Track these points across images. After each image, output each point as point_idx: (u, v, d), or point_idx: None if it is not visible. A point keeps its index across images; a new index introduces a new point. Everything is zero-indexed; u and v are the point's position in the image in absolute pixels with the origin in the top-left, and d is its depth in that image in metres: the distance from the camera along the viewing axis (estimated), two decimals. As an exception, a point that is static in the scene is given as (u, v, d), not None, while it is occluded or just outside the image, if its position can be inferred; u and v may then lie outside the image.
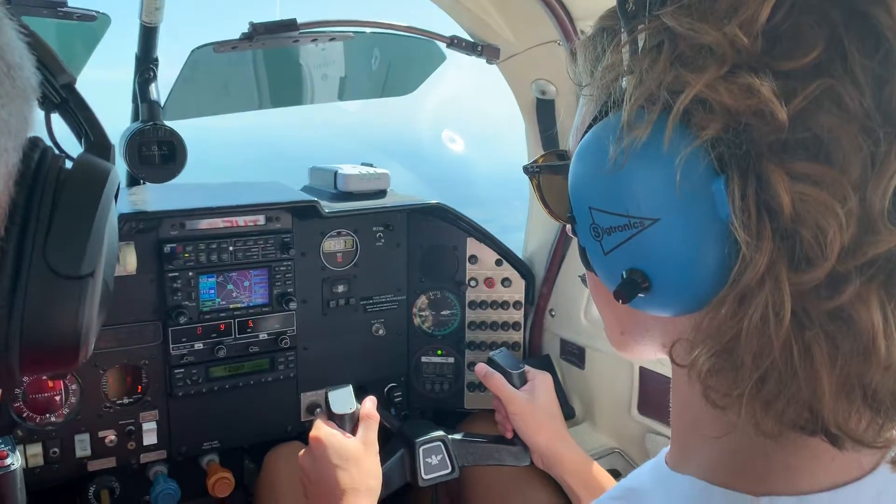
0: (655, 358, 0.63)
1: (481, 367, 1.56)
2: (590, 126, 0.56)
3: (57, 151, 0.57)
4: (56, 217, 0.52)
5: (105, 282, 0.57)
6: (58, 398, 1.53)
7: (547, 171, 0.71)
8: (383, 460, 1.38)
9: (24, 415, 1.50)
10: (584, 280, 0.68)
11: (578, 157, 0.57)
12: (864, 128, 0.44)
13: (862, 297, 0.45)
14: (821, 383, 0.47)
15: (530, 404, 1.49)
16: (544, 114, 1.76)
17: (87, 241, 0.52)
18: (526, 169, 0.72)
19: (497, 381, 1.52)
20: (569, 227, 0.61)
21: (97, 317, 0.57)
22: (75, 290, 0.52)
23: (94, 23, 1.43)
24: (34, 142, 0.55)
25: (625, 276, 0.54)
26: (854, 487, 0.54)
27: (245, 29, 1.40)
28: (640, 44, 0.51)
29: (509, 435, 1.53)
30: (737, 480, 0.54)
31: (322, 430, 1.34)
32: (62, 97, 0.65)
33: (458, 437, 1.52)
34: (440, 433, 1.49)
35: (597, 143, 0.54)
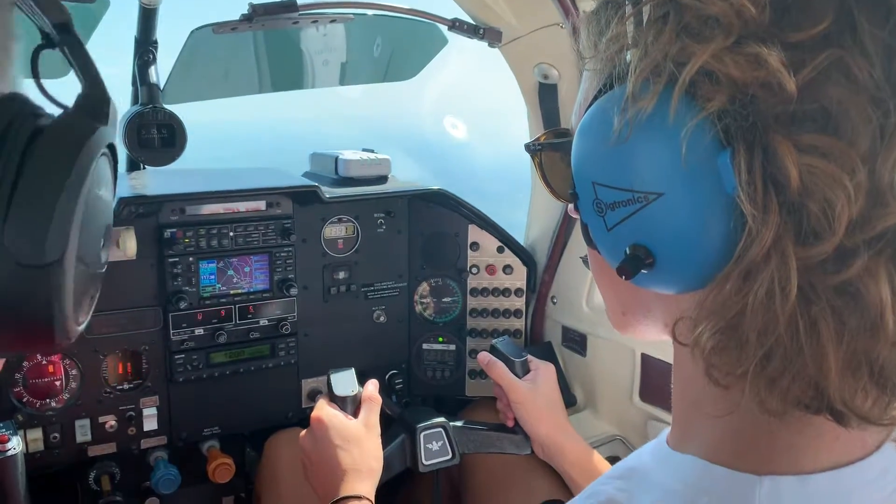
0: (657, 339, 0.63)
1: (484, 356, 1.56)
2: (594, 100, 0.55)
3: (38, 109, 0.50)
4: (18, 192, 0.45)
5: (84, 263, 0.50)
6: (58, 383, 1.53)
7: (549, 149, 0.71)
8: (384, 445, 1.38)
9: (25, 399, 1.50)
10: (585, 261, 0.67)
11: (581, 132, 0.56)
12: (874, 99, 0.44)
13: (870, 271, 0.44)
14: (827, 359, 0.46)
15: (532, 393, 1.48)
16: (547, 98, 1.75)
17: (50, 222, 0.45)
18: (528, 147, 0.72)
19: (499, 370, 1.51)
20: (571, 207, 0.60)
21: (75, 301, 0.50)
22: (40, 280, 0.46)
23: (92, 4, 1.42)
24: (10, 98, 0.49)
25: (628, 253, 0.53)
26: (857, 467, 0.53)
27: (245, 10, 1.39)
28: (646, 16, 0.50)
29: (510, 423, 1.53)
30: (739, 460, 0.54)
31: (324, 410, 1.34)
32: (55, 41, 0.55)
33: (459, 423, 1.52)
34: (441, 419, 1.49)
35: (601, 115, 0.53)
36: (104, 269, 0.56)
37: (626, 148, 0.51)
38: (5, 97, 0.48)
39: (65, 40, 0.54)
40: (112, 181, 0.56)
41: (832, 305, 0.46)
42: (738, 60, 0.45)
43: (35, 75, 0.52)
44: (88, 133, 0.49)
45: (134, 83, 1.61)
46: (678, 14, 0.48)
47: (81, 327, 0.52)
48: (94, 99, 0.52)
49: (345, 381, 1.40)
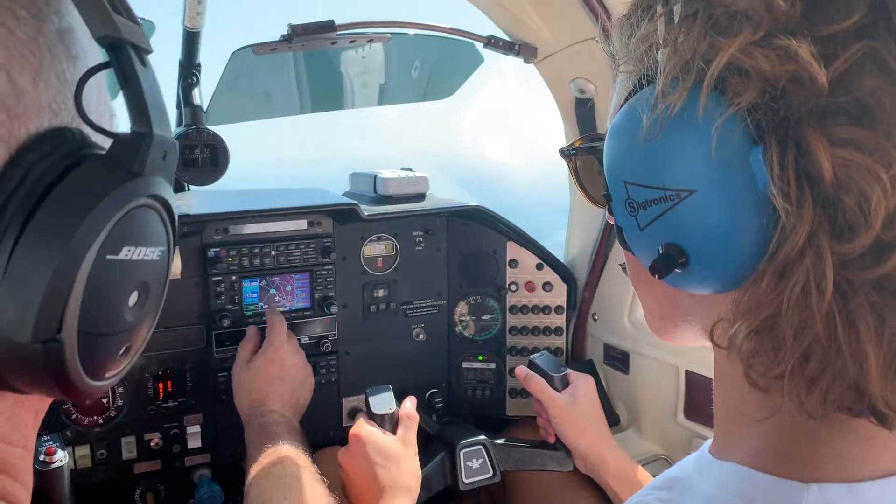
0: (697, 344, 0.62)
1: (521, 370, 1.55)
2: (625, 101, 0.55)
3: (81, 148, 0.44)
4: (12, 261, 0.40)
5: (96, 331, 0.45)
6: (105, 401, 1.55)
7: (583, 153, 0.71)
8: (424, 463, 1.37)
9: (73, 417, 1.53)
10: (624, 268, 0.66)
11: (612, 132, 0.56)
12: None
13: None
14: (867, 359, 0.44)
15: (571, 407, 1.47)
16: (583, 112, 1.74)
17: (38, 304, 0.40)
18: (562, 151, 0.72)
19: (538, 384, 1.50)
20: (607, 213, 0.60)
21: (88, 367, 0.45)
22: (36, 355, 0.41)
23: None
24: (54, 133, 0.43)
25: (661, 252, 0.52)
26: None
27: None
28: (676, 15, 0.50)
29: (551, 439, 1.51)
30: (783, 467, 0.52)
31: (362, 427, 1.35)
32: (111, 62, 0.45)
33: (499, 441, 1.50)
34: (481, 437, 1.48)
35: (631, 114, 0.53)
36: (143, 321, 0.50)
37: (657, 145, 0.51)
38: (43, 134, 0.42)
39: (113, 61, 0.44)
40: (160, 235, 0.49)
41: (871, 301, 0.44)
42: (767, 54, 0.45)
43: (77, 102, 0.44)
44: (103, 190, 0.42)
45: (178, 105, 1.65)
46: (707, 11, 0.48)
47: (108, 382, 0.49)
48: (132, 143, 0.44)
49: (382, 400, 1.40)
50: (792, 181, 0.44)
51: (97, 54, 0.48)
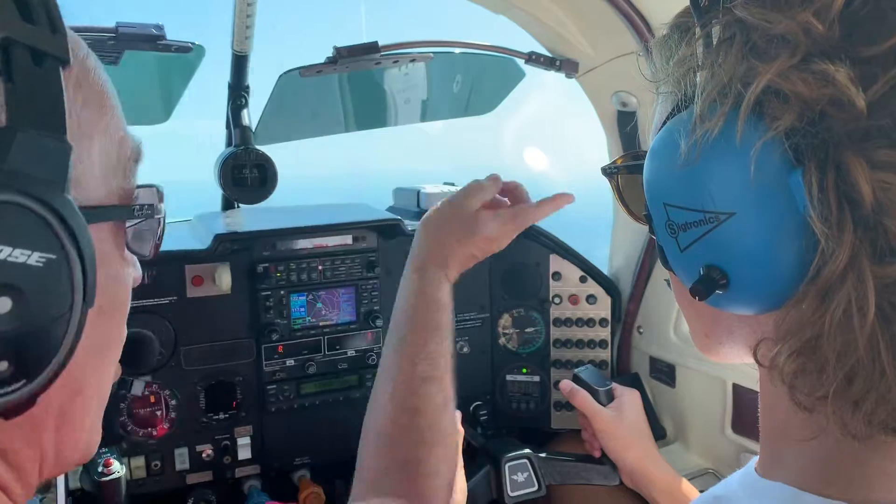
0: (742, 361, 0.61)
1: (566, 384, 1.54)
2: (664, 123, 0.56)
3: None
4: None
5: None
6: (159, 413, 1.60)
7: (625, 172, 0.71)
8: (469, 477, 1.38)
9: (129, 429, 1.58)
10: (669, 283, 0.67)
11: (652, 154, 0.56)
12: None
13: None
14: None
15: (617, 421, 1.46)
16: (626, 126, 1.74)
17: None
18: (604, 170, 0.72)
19: (582, 398, 1.49)
20: (648, 228, 0.60)
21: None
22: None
23: (189, 54, 1.52)
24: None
25: (702, 273, 0.52)
26: None
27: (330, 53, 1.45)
28: (715, 38, 0.51)
29: (597, 454, 1.50)
30: (830, 487, 0.52)
31: None
32: None
33: (544, 454, 1.50)
34: (527, 450, 1.47)
35: (669, 138, 0.54)
36: (29, 335, 0.47)
37: (696, 169, 0.51)
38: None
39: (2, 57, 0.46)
40: (43, 242, 0.46)
41: None
42: (805, 78, 0.45)
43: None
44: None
45: (228, 126, 1.70)
46: (744, 35, 0.48)
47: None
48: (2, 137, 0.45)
49: None
50: (832, 205, 0.44)
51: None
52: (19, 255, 0.44)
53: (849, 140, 0.44)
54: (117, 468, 1.34)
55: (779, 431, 0.58)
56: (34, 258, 0.45)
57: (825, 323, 0.46)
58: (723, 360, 0.64)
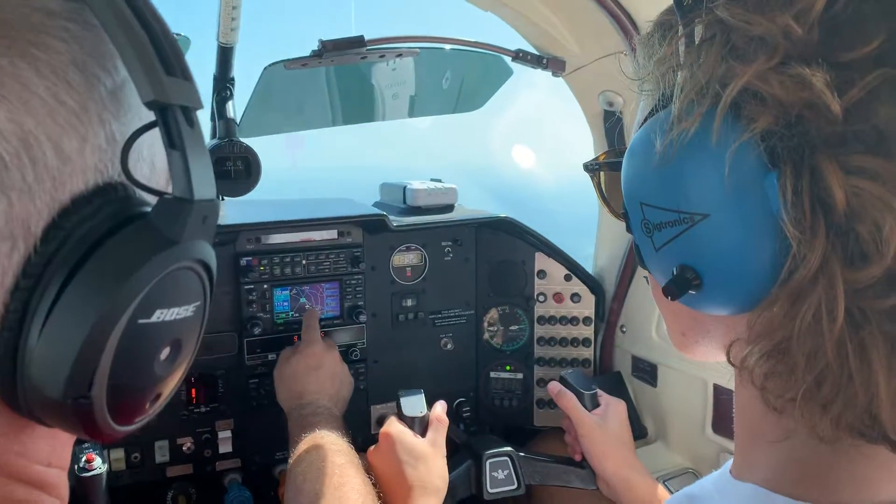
0: (717, 360, 0.62)
1: (554, 385, 1.55)
2: (644, 122, 0.56)
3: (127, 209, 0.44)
4: (48, 322, 0.41)
5: (126, 385, 0.46)
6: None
7: (606, 168, 0.71)
8: (450, 470, 1.38)
9: (108, 420, 1.57)
10: (648, 280, 0.67)
11: (630, 152, 0.56)
12: None
13: None
14: (878, 387, 0.44)
15: (600, 429, 1.46)
16: (612, 125, 1.74)
17: (70, 365, 0.41)
18: (586, 166, 0.73)
19: (569, 401, 1.50)
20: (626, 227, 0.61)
21: (117, 415, 0.47)
22: (65, 408, 0.43)
23: (175, 45, 1.50)
24: (98, 192, 0.44)
25: (675, 273, 0.53)
26: None
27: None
28: (697, 38, 0.51)
29: (578, 457, 1.51)
30: (800, 489, 0.52)
31: (393, 426, 1.37)
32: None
33: (525, 454, 1.51)
34: (508, 448, 1.48)
35: (647, 137, 0.54)
36: (174, 372, 0.51)
37: (671, 169, 0.51)
38: (87, 194, 0.43)
39: (160, 124, 0.44)
40: (195, 291, 0.49)
41: (883, 331, 0.44)
42: (783, 81, 0.45)
43: (123, 162, 0.44)
44: (138, 259, 0.42)
45: (212, 118, 1.69)
46: (725, 35, 0.48)
47: (136, 426, 0.51)
48: (172, 210, 0.44)
49: (413, 403, 1.43)
50: (806, 208, 0.44)
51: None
52: (183, 312, 0.48)
53: (824, 144, 0.44)
54: (99, 465, 1.33)
55: (751, 433, 0.59)
56: (191, 310, 0.49)
57: (795, 326, 0.46)
58: (699, 358, 0.64)
